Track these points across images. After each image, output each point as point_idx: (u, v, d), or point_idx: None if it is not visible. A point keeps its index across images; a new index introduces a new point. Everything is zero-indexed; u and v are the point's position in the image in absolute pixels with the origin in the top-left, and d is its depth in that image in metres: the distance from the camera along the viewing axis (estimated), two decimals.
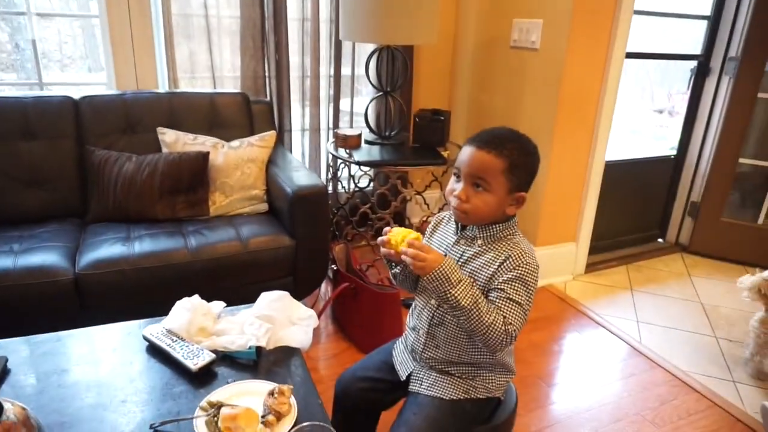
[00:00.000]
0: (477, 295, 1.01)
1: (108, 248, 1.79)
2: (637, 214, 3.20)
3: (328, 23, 2.65)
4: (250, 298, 1.37)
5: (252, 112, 2.42)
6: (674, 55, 3.12)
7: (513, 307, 1.03)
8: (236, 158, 2.17)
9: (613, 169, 2.80)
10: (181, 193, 2.07)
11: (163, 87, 2.46)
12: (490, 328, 1.00)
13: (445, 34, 2.89)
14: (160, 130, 2.18)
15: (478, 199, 1.06)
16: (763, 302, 1.99)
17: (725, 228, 3.06)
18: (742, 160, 2.96)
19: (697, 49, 3.00)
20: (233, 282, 1.89)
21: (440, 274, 1.00)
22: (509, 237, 1.11)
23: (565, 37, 2.31)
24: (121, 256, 1.75)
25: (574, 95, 2.42)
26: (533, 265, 1.07)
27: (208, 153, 2.12)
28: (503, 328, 1.01)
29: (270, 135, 2.28)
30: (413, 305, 1.25)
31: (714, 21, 2.93)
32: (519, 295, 1.04)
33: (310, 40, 2.62)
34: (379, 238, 1.10)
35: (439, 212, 1.32)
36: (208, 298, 1.33)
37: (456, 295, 1.00)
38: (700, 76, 3.04)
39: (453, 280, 1.00)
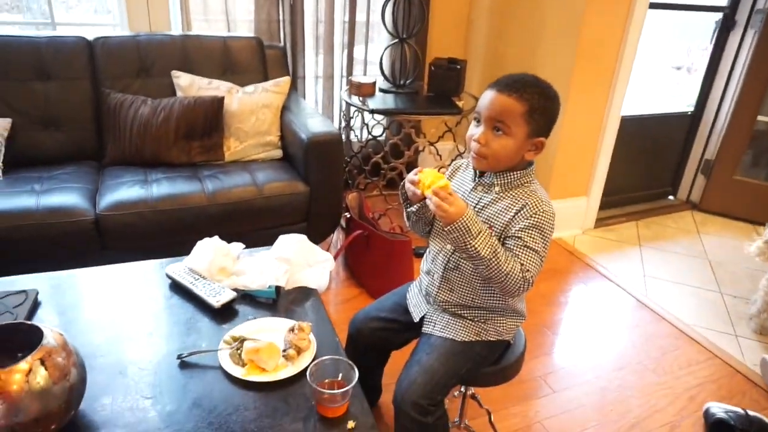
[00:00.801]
0: (496, 244, 1.03)
1: (127, 190, 1.82)
2: (650, 170, 3.18)
3: None
4: (265, 242, 1.40)
5: (266, 57, 2.39)
6: (700, 7, 3.02)
7: (530, 255, 1.05)
8: (251, 104, 2.16)
9: (628, 124, 2.77)
10: (197, 138, 2.08)
11: (176, 30, 2.43)
12: (509, 276, 1.03)
13: None
14: (174, 73, 2.17)
15: (498, 143, 1.07)
16: None
17: (737, 186, 3.05)
18: (760, 118, 2.91)
19: (723, 0, 2.91)
20: (249, 226, 1.93)
21: (461, 225, 1.01)
22: (526, 184, 1.12)
23: None
24: (139, 199, 1.78)
25: (593, 46, 2.37)
26: (549, 213, 1.09)
27: (222, 98, 2.11)
28: (521, 275, 1.04)
29: (285, 81, 2.26)
30: (428, 249, 1.28)
31: None
32: (536, 242, 1.06)
33: None
34: (409, 175, 1.11)
35: (452, 162, 1.33)
36: (227, 240, 1.37)
37: (476, 245, 1.01)
38: (724, 30, 2.95)
39: (473, 232, 1.01)
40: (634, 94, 2.85)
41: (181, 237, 1.66)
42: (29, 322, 0.84)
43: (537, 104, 1.06)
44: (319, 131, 2.00)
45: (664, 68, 3.49)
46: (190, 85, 2.16)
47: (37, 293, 1.17)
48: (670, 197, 3.34)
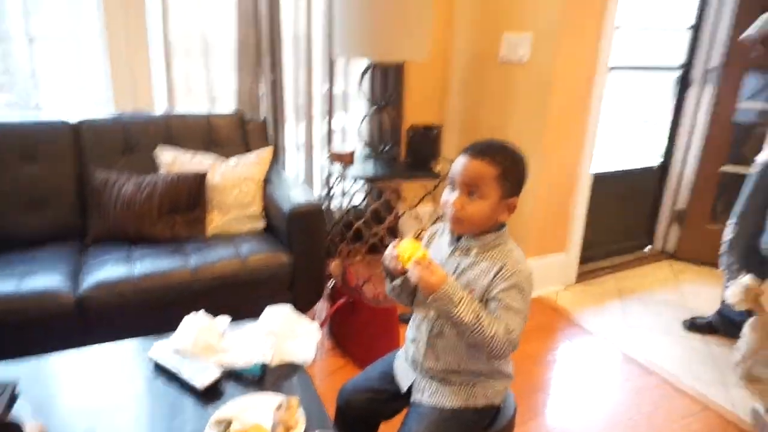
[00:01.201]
0: (478, 309, 1.06)
1: (109, 269, 1.81)
2: (626, 223, 3.27)
3: (321, 41, 2.71)
4: (252, 314, 1.40)
5: (247, 131, 2.46)
6: (658, 67, 3.21)
7: (512, 316, 1.08)
8: (233, 176, 2.21)
9: (600, 180, 2.87)
10: (180, 213, 2.10)
11: (160, 106, 2.50)
12: (494, 339, 1.05)
13: (436, 50, 2.96)
14: (158, 149, 2.22)
15: (473, 207, 1.12)
16: (752, 307, 2.04)
17: (711, 234, 3.12)
18: (725, 168, 3.04)
19: (679, 60, 3.10)
20: (234, 299, 1.92)
21: (443, 294, 1.04)
22: (502, 245, 1.16)
23: (553, 50, 2.39)
24: (122, 277, 1.78)
25: (562, 108, 2.49)
26: (527, 271, 1.13)
27: (205, 173, 2.16)
28: (505, 337, 1.06)
29: (266, 151, 2.33)
30: (412, 317, 1.29)
31: (695, 32, 3.03)
32: (517, 302, 1.09)
33: (303, 57, 2.67)
34: (387, 250, 1.14)
35: (432, 225, 1.37)
36: (213, 314, 1.37)
37: (459, 312, 1.04)
38: (682, 87, 3.14)
39: (455, 300, 1.04)
40: (606, 148, 2.98)
41: (165, 313, 1.64)
42: (7, 421, 0.83)
43: (508, 167, 1.12)
44: (300, 202, 2.04)
45: (635, 122, 3.65)
46: (173, 160, 2.21)
47: (15, 386, 1.15)
48: (647, 248, 3.41)
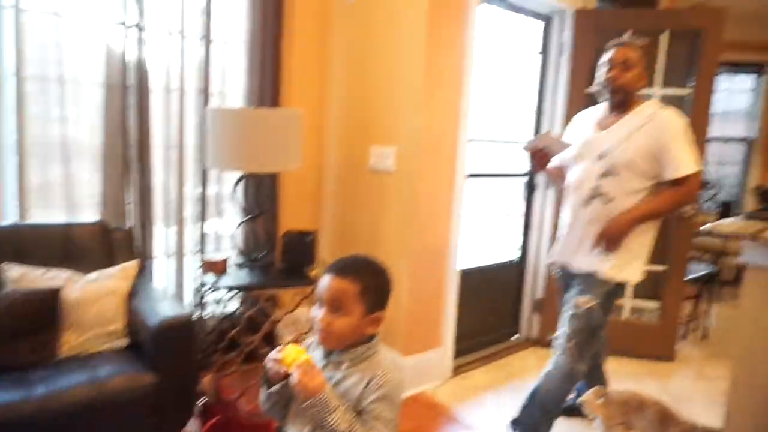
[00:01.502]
0: (352, 419, 1.10)
1: None
2: (494, 314, 3.50)
3: (194, 149, 2.72)
4: None
5: (112, 241, 2.34)
6: (507, 174, 3.63)
7: (382, 427, 1.13)
8: (93, 292, 2.06)
9: (468, 275, 3.08)
10: (25, 337, 1.89)
11: (10, 216, 2.29)
12: None
13: (309, 159, 3.09)
14: (3, 266, 2.02)
15: (339, 323, 1.17)
16: (601, 415, 2.22)
17: None
18: None
19: (526, 167, 3.53)
20: (90, 431, 1.73)
21: (321, 400, 1.08)
22: (372, 356, 1.21)
23: (416, 161, 2.61)
24: None
25: (428, 212, 2.70)
26: (396, 380, 1.19)
27: (57, 289, 1.99)
28: None
29: (132, 264, 2.22)
30: None
31: None
32: (386, 412, 1.14)
33: (175, 165, 2.65)
34: (271, 354, 1.17)
35: (308, 333, 1.40)
36: None
37: (335, 420, 1.08)
38: (530, 190, 3.55)
39: (332, 407, 1.09)
40: (471, 246, 3.23)
41: None
42: None
43: (370, 283, 1.20)
44: (168, 315, 1.95)
45: (498, 217, 4.00)
46: (20, 277, 2.01)
47: None
48: (515, 337, 3.65)
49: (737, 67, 5.80)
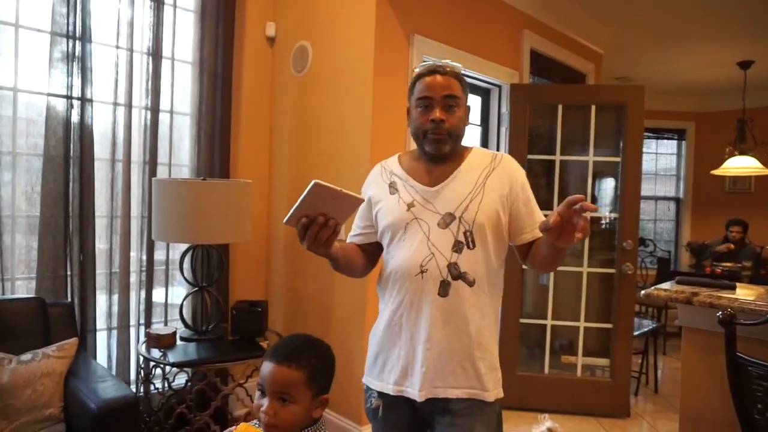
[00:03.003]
0: None
1: None
2: None
3: (139, 219, 2.67)
4: None
5: (49, 317, 2.21)
6: None
7: None
8: (27, 374, 1.93)
9: None
10: None
11: None
12: None
13: (258, 228, 3.09)
14: None
15: (286, 413, 1.12)
16: None
17: (521, 380, 3.47)
18: (522, 320, 3.48)
19: None
20: None
21: None
22: None
23: None
24: None
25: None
26: None
27: None
28: None
29: (70, 343, 2.10)
30: None
31: None
32: None
33: (120, 237, 2.58)
34: None
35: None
36: None
37: None
38: None
39: None
40: None
41: None
42: None
43: (316, 368, 1.16)
44: (111, 397, 1.84)
45: None
46: None
47: None
48: None
49: (661, 133, 6.30)
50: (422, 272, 1.36)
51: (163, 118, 2.73)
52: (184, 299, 2.58)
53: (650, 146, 6.29)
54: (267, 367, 1.14)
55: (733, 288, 1.99)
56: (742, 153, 4.71)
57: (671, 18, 3.92)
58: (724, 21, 3.93)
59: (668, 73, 5.23)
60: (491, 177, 1.43)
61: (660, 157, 6.40)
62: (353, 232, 1.59)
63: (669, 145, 6.39)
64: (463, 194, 1.40)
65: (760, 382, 1.24)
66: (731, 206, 5.75)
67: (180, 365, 2.20)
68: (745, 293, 1.93)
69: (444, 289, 1.36)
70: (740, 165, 4.68)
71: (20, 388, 1.90)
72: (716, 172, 4.91)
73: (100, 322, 2.56)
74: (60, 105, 2.37)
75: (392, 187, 1.48)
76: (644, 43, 4.44)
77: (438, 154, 1.41)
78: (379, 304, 1.54)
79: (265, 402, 1.12)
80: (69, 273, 2.45)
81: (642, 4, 3.68)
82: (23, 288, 2.37)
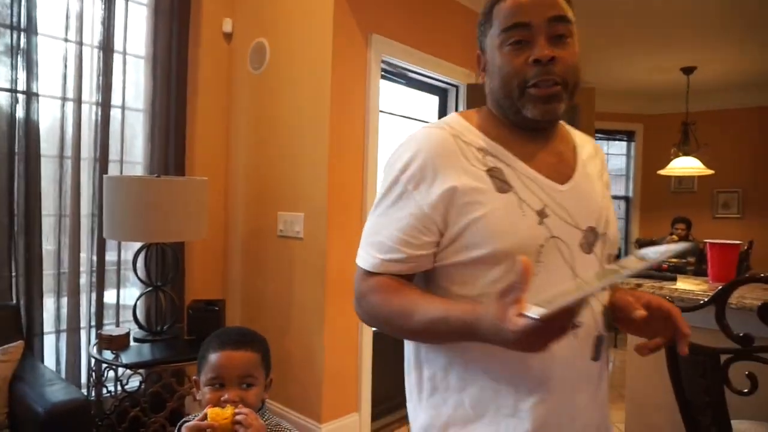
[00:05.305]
0: None
1: None
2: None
3: (89, 218, 2.59)
4: None
5: None
6: None
7: None
8: None
9: (382, 338, 3.09)
10: None
11: None
12: None
13: (215, 227, 3.05)
14: None
15: (250, 396, 1.14)
16: None
17: None
18: None
19: None
20: None
21: None
22: (268, 420, 1.18)
23: (324, 227, 2.65)
24: None
25: (338, 278, 2.71)
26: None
27: None
28: None
29: (15, 346, 2.03)
30: None
31: None
32: None
33: (69, 236, 2.50)
34: (192, 422, 1.06)
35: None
36: None
37: None
38: None
39: None
40: None
41: None
42: None
43: (265, 348, 1.22)
44: (59, 400, 1.78)
45: None
46: None
47: None
48: None
49: (612, 134, 6.54)
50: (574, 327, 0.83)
51: (115, 114, 2.66)
52: (138, 299, 2.52)
53: (602, 147, 6.50)
54: (224, 356, 1.15)
55: (675, 280, 2.09)
56: (685, 154, 4.94)
57: (620, 25, 4.08)
58: (669, 29, 4.12)
59: (618, 76, 5.43)
60: (605, 172, 1.02)
61: (611, 158, 6.62)
62: (391, 254, 0.90)
63: (619, 146, 6.62)
64: (596, 195, 0.94)
65: (695, 366, 1.32)
66: (677, 205, 6.02)
67: (134, 366, 2.15)
68: (685, 284, 2.04)
69: (597, 349, 0.89)
70: (684, 165, 4.91)
71: None
72: (662, 172, 5.13)
73: (49, 324, 2.47)
74: (3, 99, 2.28)
75: (497, 178, 0.87)
76: (594, 47, 4.61)
77: (550, 118, 0.90)
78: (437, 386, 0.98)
79: (229, 393, 1.12)
80: (14, 274, 2.36)
81: (591, 10, 3.82)
82: None
